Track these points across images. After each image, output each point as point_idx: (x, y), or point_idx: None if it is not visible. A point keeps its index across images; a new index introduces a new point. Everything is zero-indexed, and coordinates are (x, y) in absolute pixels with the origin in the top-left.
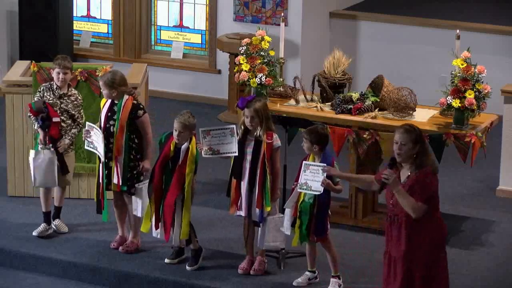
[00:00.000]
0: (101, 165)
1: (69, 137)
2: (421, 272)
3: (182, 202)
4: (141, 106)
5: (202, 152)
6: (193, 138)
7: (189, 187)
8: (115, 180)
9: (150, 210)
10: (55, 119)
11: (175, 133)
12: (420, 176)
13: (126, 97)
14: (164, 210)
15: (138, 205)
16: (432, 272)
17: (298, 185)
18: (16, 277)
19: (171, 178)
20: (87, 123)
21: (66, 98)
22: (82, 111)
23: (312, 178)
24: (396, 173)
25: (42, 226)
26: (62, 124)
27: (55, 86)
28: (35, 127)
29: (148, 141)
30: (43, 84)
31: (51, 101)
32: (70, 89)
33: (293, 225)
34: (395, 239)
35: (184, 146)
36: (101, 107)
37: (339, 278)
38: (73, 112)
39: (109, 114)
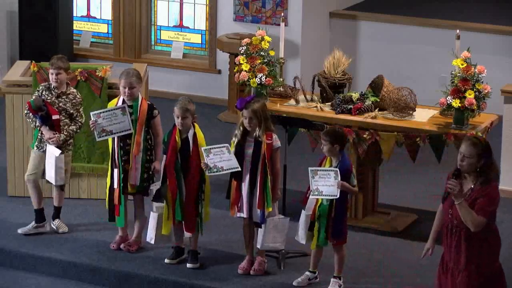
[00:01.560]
0: (115, 170)
1: (66, 133)
2: (482, 283)
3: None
4: (155, 106)
5: (206, 171)
6: (196, 124)
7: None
8: (131, 181)
9: (168, 211)
10: (55, 117)
11: (178, 121)
12: (486, 191)
13: (140, 97)
14: (188, 198)
15: (151, 231)
16: (493, 283)
17: (311, 192)
18: (16, 277)
19: (182, 173)
20: (91, 113)
21: (64, 97)
22: (81, 109)
23: (323, 183)
24: (459, 184)
25: (30, 225)
26: (61, 123)
27: (52, 86)
28: (35, 125)
29: (159, 142)
30: (42, 84)
31: (49, 101)
32: (68, 88)
33: (310, 228)
34: (454, 250)
35: (190, 133)
36: None
37: (340, 279)
38: (71, 111)
39: None
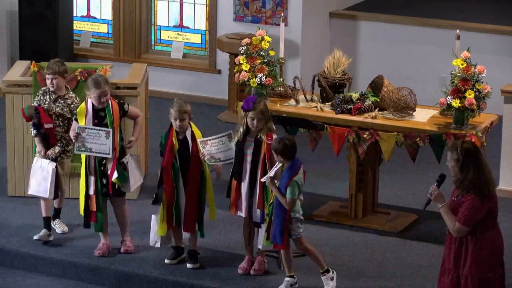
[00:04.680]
0: (92, 177)
1: (60, 144)
2: None
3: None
4: (122, 101)
5: (206, 160)
6: (191, 122)
7: (207, 166)
8: (111, 179)
9: (163, 213)
10: (48, 125)
11: (176, 123)
12: (466, 199)
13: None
14: (189, 199)
15: (132, 178)
16: None
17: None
18: (16, 277)
19: (180, 175)
20: (77, 125)
21: (62, 101)
22: None
23: (275, 167)
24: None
25: (44, 231)
26: (58, 129)
27: (50, 90)
28: (32, 135)
29: (138, 121)
30: (42, 88)
31: (46, 105)
32: (67, 92)
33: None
34: (447, 250)
35: (188, 133)
36: (83, 116)
37: (328, 272)
38: (69, 116)
39: (96, 121)
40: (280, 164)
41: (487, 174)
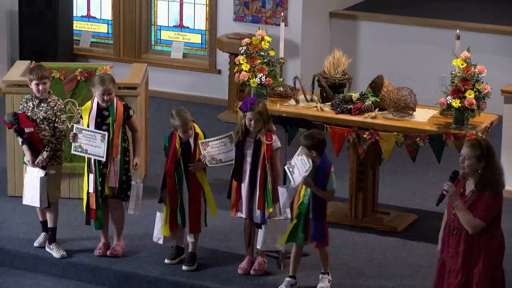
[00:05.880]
0: (91, 175)
1: (48, 148)
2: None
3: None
4: (129, 106)
5: (206, 161)
6: (194, 124)
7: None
8: (111, 184)
9: (166, 215)
10: (28, 130)
11: (186, 135)
12: (483, 195)
13: (115, 99)
14: (193, 200)
15: (132, 203)
16: None
17: (287, 163)
18: (16, 277)
19: (183, 177)
20: (74, 125)
21: (45, 105)
22: (63, 116)
23: (299, 167)
24: (461, 185)
25: (42, 236)
26: (44, 133)
27: (35, 96)
28: (20, 143)
29: (138, 137)
30: (25, 96)
31: (30, 111)
32: (50, 95)
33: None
34: (452, 251)
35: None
36: (87, 114)
37: (329, 274)
38: (53, 119)
39: (98, 120)
40: (308, 163)
41: (500, 172)
